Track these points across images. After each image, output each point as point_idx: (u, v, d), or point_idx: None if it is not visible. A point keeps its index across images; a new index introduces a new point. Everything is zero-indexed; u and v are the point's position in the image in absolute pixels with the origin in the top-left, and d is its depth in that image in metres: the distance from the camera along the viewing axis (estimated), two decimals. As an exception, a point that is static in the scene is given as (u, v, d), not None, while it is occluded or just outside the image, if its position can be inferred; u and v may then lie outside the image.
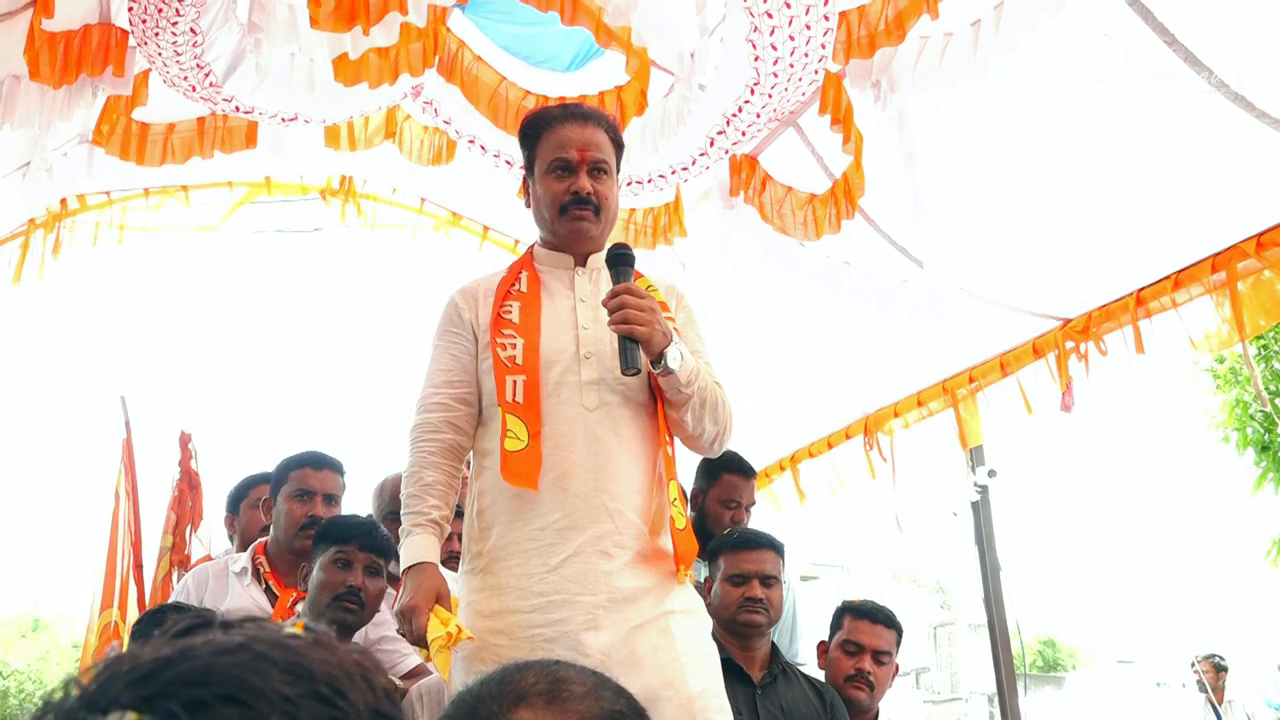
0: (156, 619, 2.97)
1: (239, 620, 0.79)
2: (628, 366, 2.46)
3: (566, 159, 2.66)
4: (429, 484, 2.56)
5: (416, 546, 2.49)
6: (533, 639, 2.40)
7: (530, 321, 2.61)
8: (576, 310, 2.64)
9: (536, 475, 2.47)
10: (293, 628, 0.79)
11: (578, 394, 2.55)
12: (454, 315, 2.71)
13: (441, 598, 2.43)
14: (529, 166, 2.76)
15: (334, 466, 3.92)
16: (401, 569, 2.50)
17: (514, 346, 2.58)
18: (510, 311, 2.63)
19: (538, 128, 2.74)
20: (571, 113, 2.74)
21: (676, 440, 2.65)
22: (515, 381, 2.56)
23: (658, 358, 2.47)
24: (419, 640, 2.40)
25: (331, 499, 3.84)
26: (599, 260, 2.72)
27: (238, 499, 4.41)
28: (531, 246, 2.81)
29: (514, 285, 2.70)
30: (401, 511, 2.56)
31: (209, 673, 0.69)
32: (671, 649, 2.40)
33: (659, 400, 2.58)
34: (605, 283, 2.64)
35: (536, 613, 2.42)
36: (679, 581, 2.50)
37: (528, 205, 2.81)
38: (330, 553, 3.21)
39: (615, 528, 2.46)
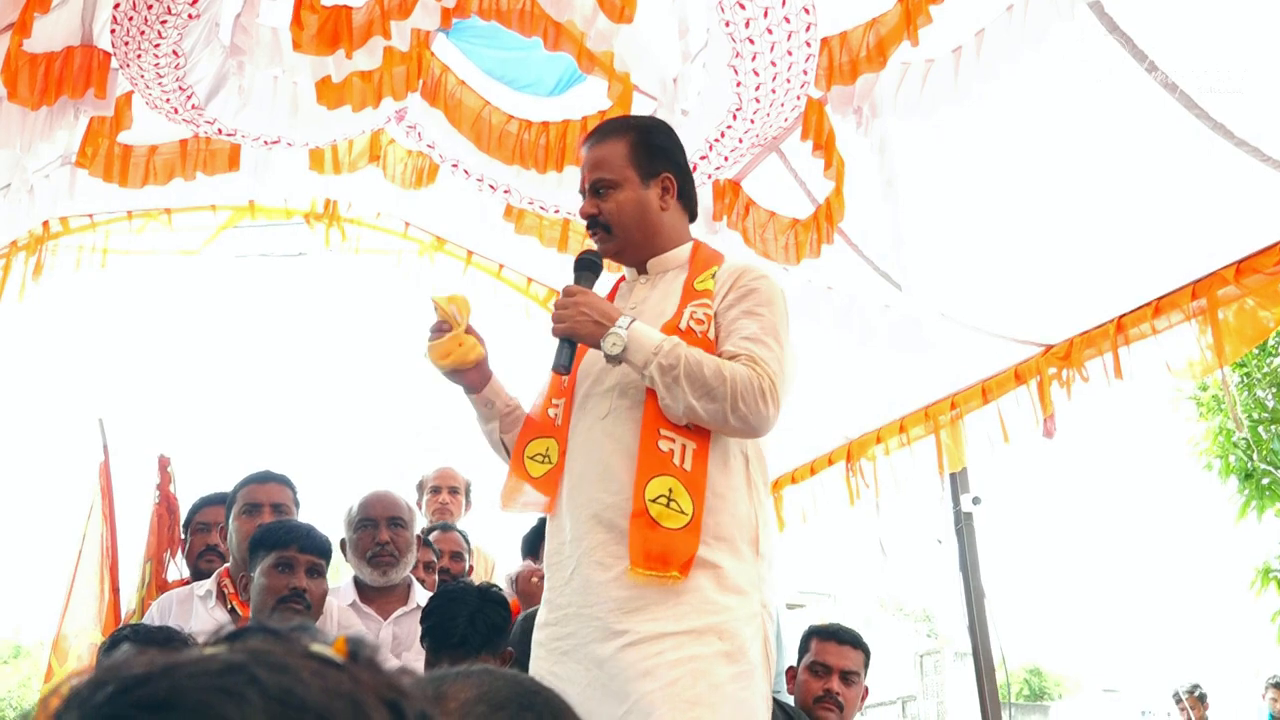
0: (116, 642, 2.95)
1: (267, 631, 0.70)
2: (553, 365, 2.56)
3: (581, 186, 2.73)
4: None
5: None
6: (554, 652, 2.46)
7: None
8: None
9: (551, 496, 2.61)
10: (326, 645, 0.69)
11: (597, 403, 2.59)
12: None
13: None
14: None
15: (279, 479, 3.97)
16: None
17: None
18: None
19: None
20: (589, 135, 2.81)
21: (682, 439, 2.48)
22: (559, 406, 2.69)
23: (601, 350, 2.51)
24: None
25: (279, 508, 3.87)
26: (664, 264, 2.73)
27: (186, 523, 4.43)
28: None
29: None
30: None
31: (175, 696, 0.61)
32: (659, 676, 2.29)
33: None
34: (666, 285, 2.68)
35: (557, 626, 2.48)
36: (670, 581, 2.33)
37: None
38: (271, 558, 3.19)
39: (610, 538, 2.43)
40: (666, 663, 2.30)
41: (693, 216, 2.84)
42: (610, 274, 3.06)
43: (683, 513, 2.38)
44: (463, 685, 1.19)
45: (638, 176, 2.69)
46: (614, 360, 2.47)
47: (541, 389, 2.79)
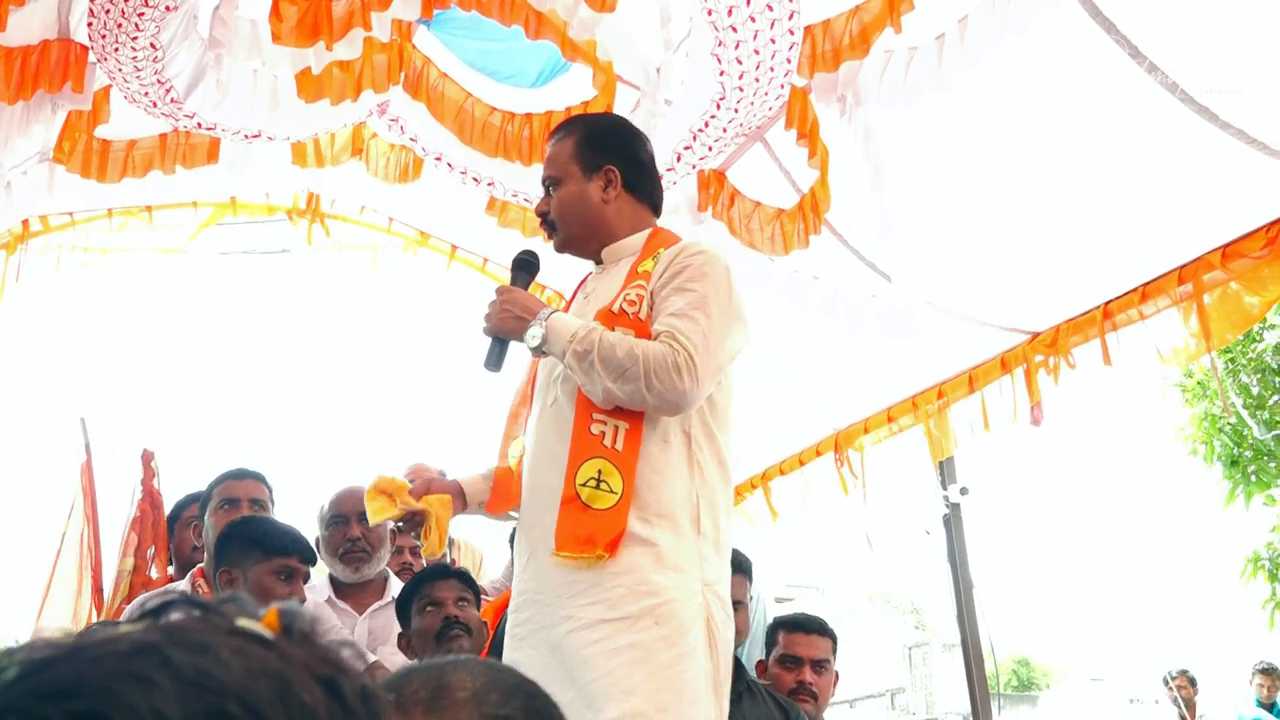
0: None
1: (189, 604, 0.62)
2: (483, 364, 2.65)
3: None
4: None
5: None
6: (513, 638, 2.51)
7: None
8: (580, 309, 2.73)
9: (519, 489, 2.70)
10: (256, 618, 0.63)
11: (545, 392, 2.67)
12: None
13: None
14: None
15: (255, 475, 3.97)
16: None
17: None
18: None
19: None
20: (549, 135, 2.91)
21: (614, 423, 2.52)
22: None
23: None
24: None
25: (256, 503, 3.86)
26: (617, 252, 2.77)
27: (173, 519, 4.40)
28: None
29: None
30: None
31: (77, 683, 0.55)
32: (599, 665, 2.33)
33: None
34: (618, 272, 2.71)
35: (517, 612, 2.53)
36: (595, 561, 2.38)
37: None
38: (273, 564, 3.15)
39: (555, 522, 2.47)
40: (605, 651, 2.33)
41: (655, 208, 2.87)
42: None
43: (612, 492, 2.42)
44: (466, 674, 1.18)
45: (580, 171, 2.75)
46: (536, 352, 2.57)
47: (518, 386, 2.86)
